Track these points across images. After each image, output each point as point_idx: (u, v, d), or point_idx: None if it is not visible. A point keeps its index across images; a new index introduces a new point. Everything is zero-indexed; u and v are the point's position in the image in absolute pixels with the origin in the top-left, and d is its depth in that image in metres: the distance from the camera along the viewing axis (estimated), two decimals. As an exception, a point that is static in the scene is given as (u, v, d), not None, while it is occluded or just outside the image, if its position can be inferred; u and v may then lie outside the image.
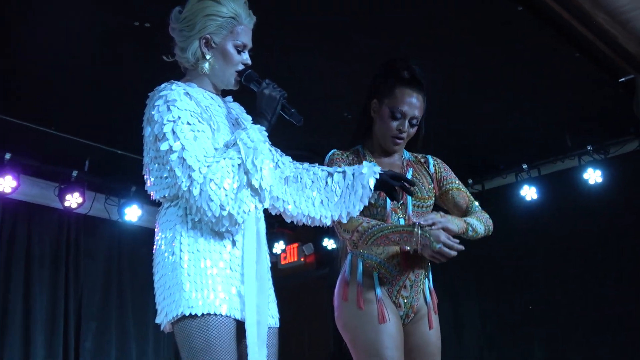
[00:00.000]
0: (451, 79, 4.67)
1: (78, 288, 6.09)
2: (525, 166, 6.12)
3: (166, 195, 1.98)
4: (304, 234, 7.25)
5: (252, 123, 2.04)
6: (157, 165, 1.97)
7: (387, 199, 2.42)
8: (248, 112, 2.26)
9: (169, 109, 1.93)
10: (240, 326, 1.92)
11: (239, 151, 1.90)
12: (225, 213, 1.86)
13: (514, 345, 6.10)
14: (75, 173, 5.74)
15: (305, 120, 2.11)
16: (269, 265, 2.09)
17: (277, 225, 6.57)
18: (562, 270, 5.89)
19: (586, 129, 5.56)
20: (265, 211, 2.06)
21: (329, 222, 2.17)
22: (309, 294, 7.21)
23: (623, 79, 4.45)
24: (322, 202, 2.15)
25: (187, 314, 1.85)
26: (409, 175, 2.52)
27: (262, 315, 1.95)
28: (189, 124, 1.92)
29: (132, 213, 6.17)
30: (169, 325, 1.93)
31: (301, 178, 2.15)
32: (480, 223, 2.48)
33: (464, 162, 5.95)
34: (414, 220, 2.42)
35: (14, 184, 5.39)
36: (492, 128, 5.56)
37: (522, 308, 6.12)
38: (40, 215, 5.97)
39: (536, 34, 4.17)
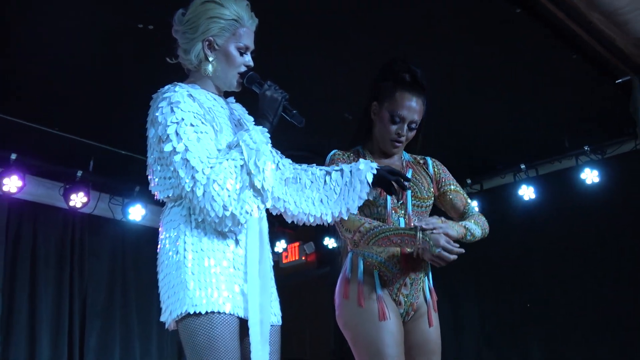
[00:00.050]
0: (450, 78, 4.66)
1: (83, 286, 6.09)
2: (523, 166, 6.13)
3: (170, 195, 1.98)
4: (305, 233, 7.25)
5: (254, 124, 2.04)
6: (160, 166, 1.98)
7: (388, 198, 2.44)
8: (250, 114, 2.27)
9: (172, 110, 1.94)
10: (243, 324, 1.92)
11: (242, 152, 1.91)
12: (228, 213, 1.87)
13: (512, 344, 6.09)
14: (79, 173, 5.75)
15: (306, 120, 2.11)
16: (272, 264, 2.10)
17: (278, 225, 6.58)
18: (560, 270, 5.88)
19: (583, 130, 5.56)
20: (267, 211, 2.07)
21: (329, 219, 2.17)
22: (310, 293, 7.21)
23: (620, 80, 4.45)
24: (321, 200, 2.16)
25: (191, 312, 1.85)
26: (408, 176, 2.52)
27: (265, 314, 1.96)
28: (192, 125, 1.92)
29: (136, 212, 6.17)
30: (173, 323, 1.94)
31: (300, 179, 2.17)
32: (477, 227, 2.49)
33: (463, 162, 5.96)
34: (415, 220, 2.43)
35: (19, 184, 5.40)
36: (490, 128, 5.55)
37: (520, 307, 6.11)
38: (45, 215, 5.97)
39: (534, 35, 4.17)
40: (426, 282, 2.53)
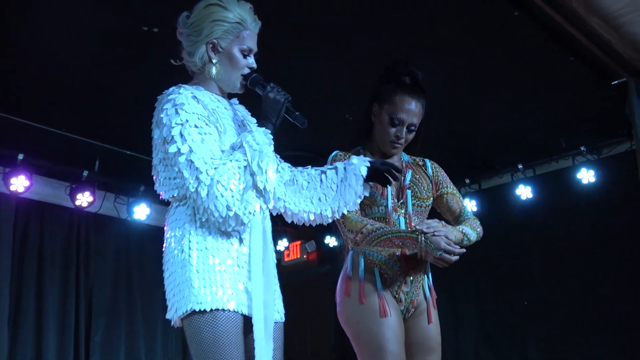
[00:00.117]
0: (450, 80, 4.64)
1: (88, 284, 6.09)
2: (520, 166, 6.13)
3: (175, 195, 1.98)
4: (306, 231, 7.24)
5: (257, 126, 2.03)
6: (165, 166, 1.98)
7: (389, 197, 2.44)
8: (253, 115, 2.26)
9: (177, 112, 1.93)
10: (247, 321, 1.92)
11: (245, 153, 1.91)
12: (231, 213, 1.87)
13: (510, 343, 6.09)
14: (85, 173, 5.75)
15: (307, 121, 2.12)
16: (275, 262, 2.10)
17: (280, 224, 6.57)
18: (557, 267, 5.88)
19: (580, 131, 5.56)
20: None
21: (329, 214, 2.19)
22: (311, 291, 7.20)
23: (616, 82, 4.44)
24: (319, 198, 2.18)
25: (196, 310, 1.86)
26: (408, 176, 2.54)
27: (269, 310, 1.96)
28: (196, 127, 1.92)
29: (141, 212, 6.17)
30: (178, 320, 1.94)
31: (297, 180, 2.19)
32: (473, 231, 2.50)
33: (461, 162, 5.96)
34: (415, 219, 2.44)
35: (26, 183, 5.40)
36: (488, 129, 5.55)
37: (518, 305, 6.10)
38: (52, 214, 5.97)
39: (532, 37, 4.16)
40: (426, 280, 2.54)
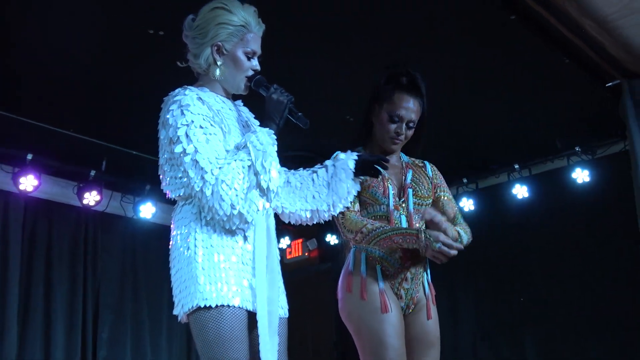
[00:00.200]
0: (450, 80, 4.63)
1: (96, 281, 6.09)
2: (516, 166, 6.12)
3: (181, 194, 1.98)
4: (307, 229, 7.15)
5: (261, 126, 2.04)
6: (171, 166, 1.98)
7: (390, 196, 2.45)
8: (256, 117, 2.26)
9: (182, 113, 1.94)
10: (252, 317, 1.93)
11: (249, 153, 1.91)
12: (235, 212, 1.87)
13: (507, 338, 6.08)
14: (93, 173, 5.75)
15: (309, 122, 2.12)
16: (279, 258, 2.10)
17: (282, 222, 6.55)
18: (553, 265, 5.88)
19: (575, 131, 5.55)
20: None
21: (325, 210, 2.21)
22: (313, 288, 7.19)
23: (610, 83, 4.43)
24: (313, 196, 2.21)
25: (202, 306, 1.86)
26: (409, 176, 2.55)
27: (273, 306, 1.96)
28: (201, 127, 1.93)
29: (147, 210, 6.17)
30: (184, 316, 1.94)
31: (290, 182, 2.22)
32: (465, 234, 2.51)
33: (459, 161, 5.96)
34: (415, 218, 2.44)
35: (35, 183, 5.41)
36: (485, 129, 5.54)
37: (514, 302, 6.10)
38: (60, 213, 5.97)
39: (529, 40, 4.14)
40: (425, 277, 2.54)
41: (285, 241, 7.27)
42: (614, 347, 5.37)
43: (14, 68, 4.41)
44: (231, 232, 1.94)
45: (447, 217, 2.61)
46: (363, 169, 2.26)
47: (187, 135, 1.90)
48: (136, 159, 5.65)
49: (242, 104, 2.28)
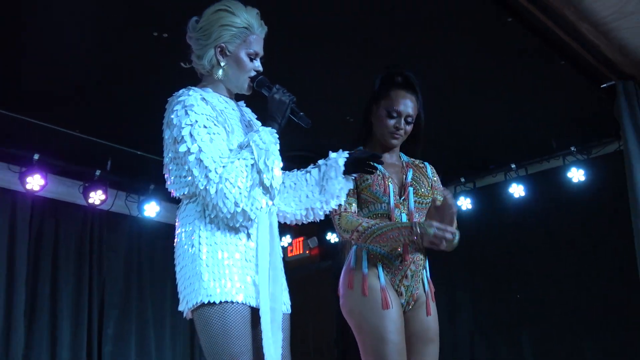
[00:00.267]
0: (450, 81, 4.60)
1: (101, 279, 6.08)
2: (513, 165, 6.12)
3: (185, 193, 1.98)
4: (308, 228, 7.17)
5: (264, 126, 2.03)
6: (176, 165, 1.98)
7: (391, 195, 2.44)
8: (258, 117, 2.26)
9: (186, 113, 1.94)
10: (255, 312, 1.93)
11: (252, 152, 1.91)
12: (239, 210, 1.87)
13: (503, 336, 6.06)
14: (98, 172, 5.75)
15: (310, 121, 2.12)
16: (282, 255, 2.10)
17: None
18: (548, 263, 5.87)
19: (570, 132, 5.55)
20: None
21: (318, 208, 2.22)
22: (314, 285, 7.19)
23: (605, 84, 4.43)
24: (307, 196, 2.22)
25: (206, 302, 1.86)
26: (409, 175, 2.55)
27: (277, 303, 1.96)
28: (205, 127, 1.93)
29: (151, 209, 6.17)
30: (189, 312, 1.94)
31: (284, 183, 2.22)
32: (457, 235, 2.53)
33: (457, 161, 5.95)
34: (416, 216, 2.45)
35: (42, 182, 5.40)
36: (483, 129, 5.53)
37: (511, 300, 6.08)
38: (66, 212, 5.97)
39: (526, 43, 4.14)
40: (425, 274, 2.54)
41: (286, 239, 7.28)
42: (609, 346, 5.36)
43: (21, 70, 4.40)
44: (235, 230, 1.94)
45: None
46: (356, 167, 2.26)
47: (191, 135, 1.90)
48: (140, 158, 5.65)
49: (244, 104, 2.28)
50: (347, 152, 2.28)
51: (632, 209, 4.18)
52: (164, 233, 6.14)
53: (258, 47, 2.11)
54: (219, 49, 2.06)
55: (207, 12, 2.10)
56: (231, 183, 1.86)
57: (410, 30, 4.04)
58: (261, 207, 1.90)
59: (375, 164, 2.30)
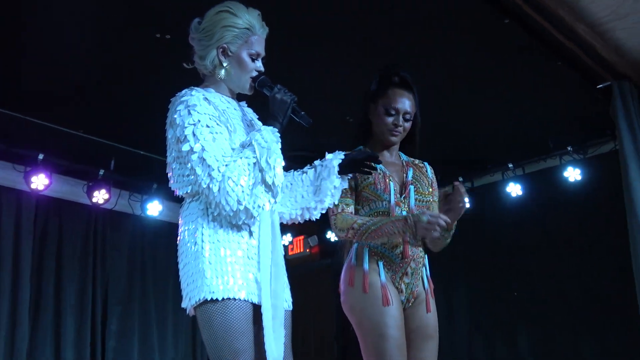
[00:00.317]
0: (450, 80, 4.59)
1: (105, 276, 6.09)
2: (511, 165, 6.11)
3: (188, 191, 1.98)
4: (309, 227, 7.23)
5: (265, 125, 2.03)
6: (179, 164, 1.98)
7: (392, 192, 2.45)
8: (260, 117, 2.26)
9: (189, 113, 1.94)
10: (257, 309, 1.92)
11: (254, 151, 1.91)
12: (242, 207, 1.87)
13: (501, 334, 6.06)
14: (102, 172, 5.75)
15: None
16: (283, 253, 2.09)
17: (282, 220, 6.54)
18: (545, 261, 5.87)
19: (567, 131, 5.54)
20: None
21: (313, 208, 2.20)
22: (314, 282, 7.19)
23: (601, 85, 4.43)
24: (302, 196, 2.21)
25: (209, 299, 1.86)
26: (409, 174, 2.55)
27: (279, 299, 1.96)
28: (208, 126, 1.93)
29: (154, 208, 6.17)
30: (192, 309, 1.94)
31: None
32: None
33: (455, 160, 5.94)
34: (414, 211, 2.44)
35: (46, 181, 5.41)
36: (481, 129, 5.53)
37: (508, 298, 6.08)
38: (70, 211, 5.97)
39: (523, 43, 4.13)
40: (424, 272, 2.54)
41: (287, 238, 7.28)
42: (606, 344, 5.35)
43: (25, 71, 4.40)
44: (237, 228, 1.94)
45: None
46: (351, 168, 2.25)
47: (194, 134, 1.90)
48: (143, 158, 5.65)
49: (246, 104, 2.28)
50: (344, 153, 2.26)
51: (627, 208, 4.19)
52: (167, 232, 6.14)
53: (259, 47, 2.11)
54: (221, 49, 2.06)
55: (209, 14, 2.10)
56: (234, 181, 1.86)
57: (409, 30, 4.02)
58: (263, 205, 1.90)
59: (377, 161, 2.29)
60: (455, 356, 6.15)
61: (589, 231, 5.62)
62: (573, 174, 5.71)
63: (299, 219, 2.23)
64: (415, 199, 2.49)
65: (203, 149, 1.88)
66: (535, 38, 3.91)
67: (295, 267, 7.12)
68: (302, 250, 7.62)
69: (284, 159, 1.98)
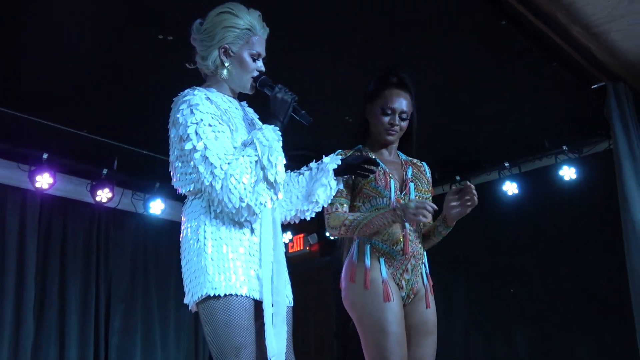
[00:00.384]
0: (450, 80, 4.58)
1: (108, 274, 6.08)
2: (507, 164, 6.11)
3: (191, 189, 1.98)
4: (309, 225, 7.23)
5: (267, 124, 2.03)
6: (182, 163, 1.98)
7: (392, 189, 2.45)
8: (260, 117, 2.27)
9: (192, 112, 1.94)
10: (259, 305, 1.92)
11: (256, 149, 1.91)
12: (244, 205, 1.87)
13: (498, 332, 6.05)
14: (105, 171, 5.74)
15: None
16: (284, 250, 2.09)
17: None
18: (541, 259, 5.87)
19: (562, 131, 5.54)
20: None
21: (306, 209, 2.21)
22: (314, 280, 7.19)
23: (595, 85, 4.43)
24: (297, 197, 2.22)
25: (211, 295, 1.86)
26: (409, 173, 2.55)
27: (280, 296, 1.96)
28: (210, 125, 1.93)
29: (156, 207, 6.16)
30: (194, 305, 1.93)
31: None
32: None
33: (452, 159, 5.94)
34: None
35: (50, 181, 5.40)
36: (478, 129, 5.52)
37: (504, 295, 6.07)
38: (74, 209, 5.96)
39: (520, 44, 4.13)
40: (424, 268, 2.54)
41: (287, 236, 7.27)
42: (602, 343, 5.35)
43: (26, 71, 4.39)
44: (239, 225, 1.94)
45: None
46: (348, 172, 2.27)
47: (196, 133, 1.90)
48: (146, 158, 5.65)
49: (247, 104, 2.28)
50: (340, 158, 2.27)
51: (622, 206, 4.19)
52: (169, 230, 6.13)
53: (260, 48, 2.11)
54: (222, 49, 2.07)
55: (210, 15, 2.11)
56: (236, 179, 1.86)
57: (410, 30, 4.01)
58: (265, 202, 1.90)
59: (374, 164, 2.29)
60: (453, 354, 6.14)
61: (584, 229, 5.62)
62: (568, 172, 5.71)
63: (294, 219, 2.25)
64: (415, 196, 2.49)
65: (206, 147, 1.88)
66: (531, 39, 3.91)
67: (295, 265, 7.11)
68: (302, 248, 7.61)
69: (285, 157, 1.98)
